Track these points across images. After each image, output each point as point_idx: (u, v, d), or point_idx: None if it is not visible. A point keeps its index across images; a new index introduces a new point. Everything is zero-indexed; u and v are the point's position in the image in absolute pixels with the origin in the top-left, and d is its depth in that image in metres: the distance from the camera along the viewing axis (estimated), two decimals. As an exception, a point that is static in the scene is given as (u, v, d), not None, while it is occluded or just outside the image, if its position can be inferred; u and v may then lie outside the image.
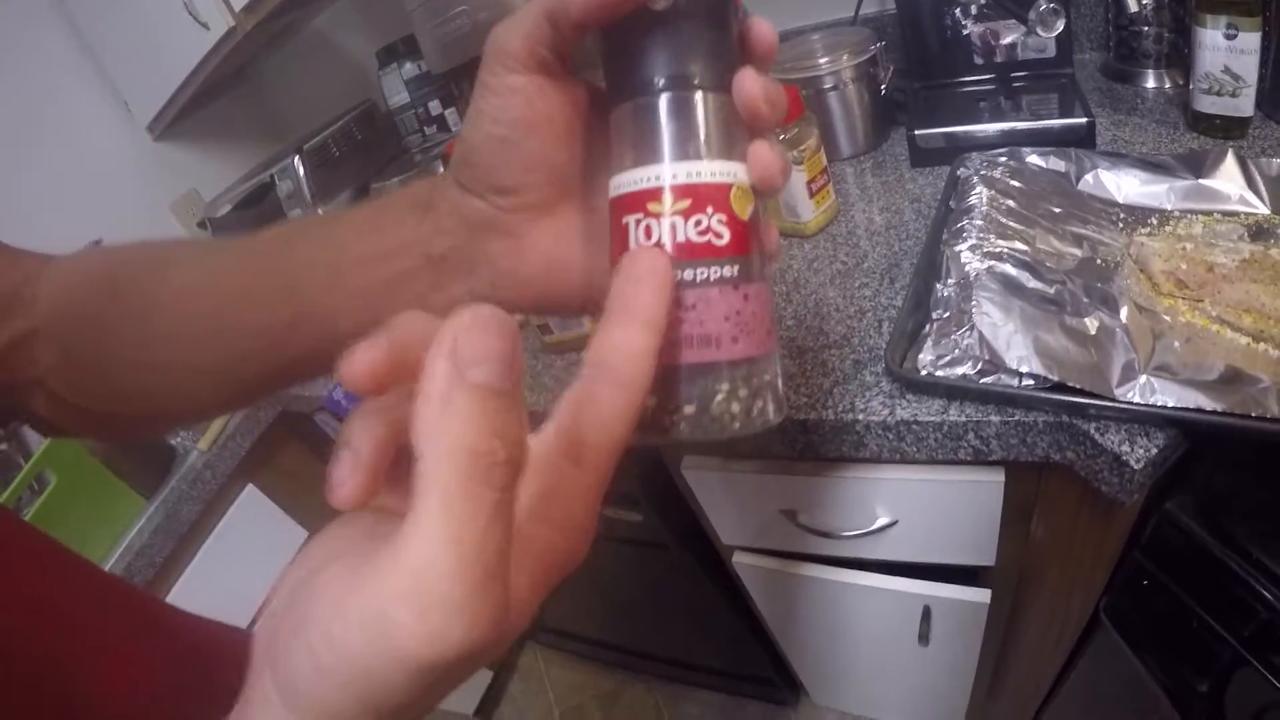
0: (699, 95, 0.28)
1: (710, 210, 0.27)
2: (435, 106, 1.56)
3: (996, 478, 0.71)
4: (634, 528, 0.97)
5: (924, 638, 0.95)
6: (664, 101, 0.28)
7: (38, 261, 0.44)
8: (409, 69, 1.53)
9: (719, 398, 0.28)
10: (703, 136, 0.28)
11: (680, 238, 0.27)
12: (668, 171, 0.27)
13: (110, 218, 1.70)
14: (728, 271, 0.27)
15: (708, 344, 0.28)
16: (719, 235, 0.27)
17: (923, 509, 0.79)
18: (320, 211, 1.48)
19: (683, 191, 0.27)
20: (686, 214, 0.27)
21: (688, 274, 0.27)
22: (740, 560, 0.97)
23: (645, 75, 0.28)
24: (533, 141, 0.31)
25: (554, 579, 0.23)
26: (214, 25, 1.38)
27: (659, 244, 0.27)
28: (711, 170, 0.28)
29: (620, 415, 0.24)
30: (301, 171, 1.48)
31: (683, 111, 0.28)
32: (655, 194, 0.27)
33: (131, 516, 1.23)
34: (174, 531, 1.22)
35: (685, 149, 0.28)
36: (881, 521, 0.81)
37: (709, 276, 0.27)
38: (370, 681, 0.18)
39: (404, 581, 0.18)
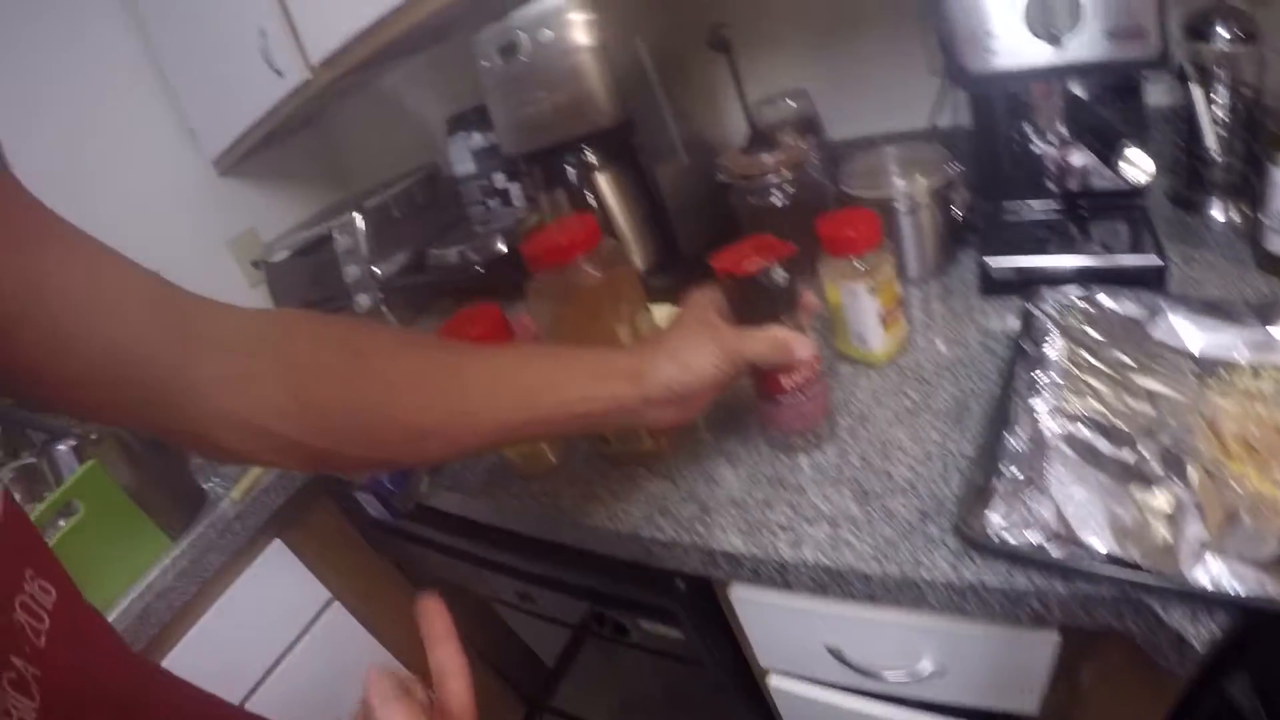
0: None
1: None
2: (500, 180, 1.56)
3: (1051, 637, 0.69)
4: (671, 643, 0.95)
5: (957, 780, 0.91)
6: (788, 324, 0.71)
7: (202, 305, 0.53)
8: (477, 140, 1.54)
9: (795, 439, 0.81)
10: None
11: (801, 378, 0.75)
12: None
13: (169, 249, 1.70)
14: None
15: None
16: (816, 371, 0.77)
17: (971, 660, 0.76)
18: (376, 270, 1.50)
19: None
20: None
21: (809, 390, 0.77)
22: (775, 684, 0.94)
23: (776, 314, 0.71)
24: None
25: None
26: (289, 74, 1.41)
27: (799, 382, 0.76)
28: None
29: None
30: (361, 229, 1.49)
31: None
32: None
33: (155, 556, 1.23)
34: (197, 577, 1.21)
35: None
36: (928, 667, 0.78)
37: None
38: None
39: None
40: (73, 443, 1.35)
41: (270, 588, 1.33)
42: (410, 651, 1.53)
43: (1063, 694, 0.77)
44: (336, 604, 1.42)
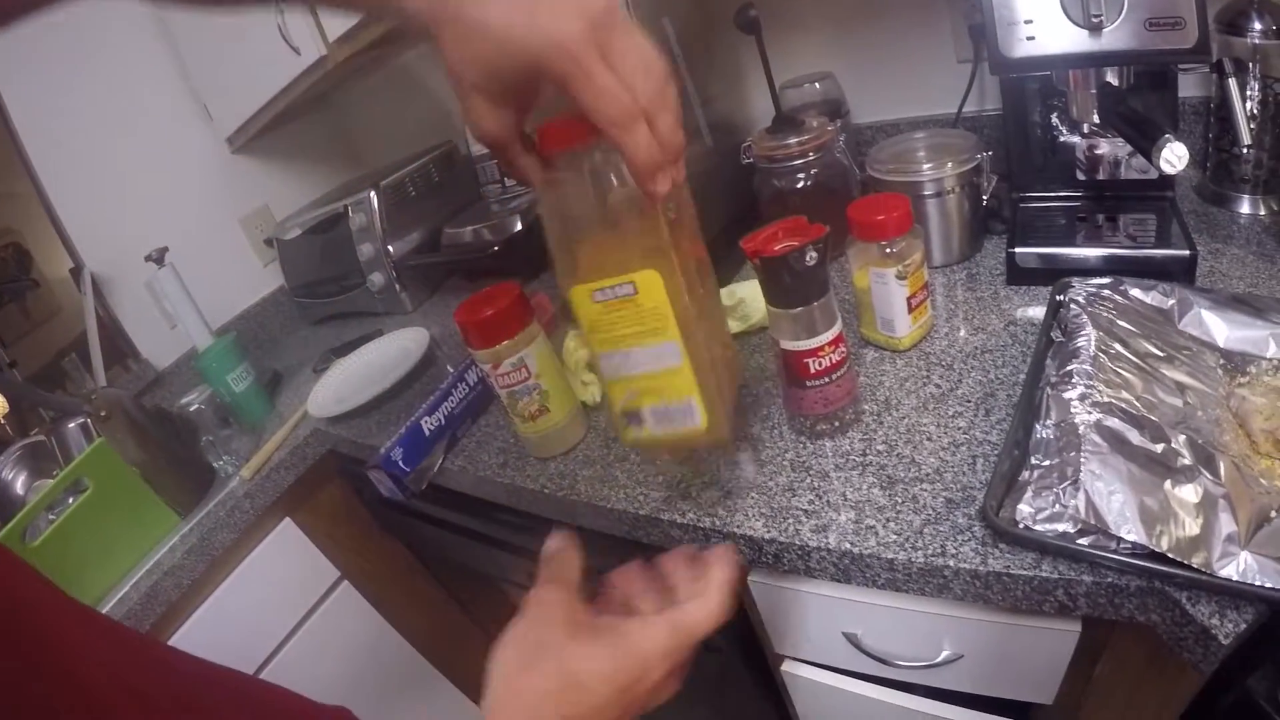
0: (831, 298, 0.73)
1: (840, 346, 0.75)
2: (519, 159, 1.53)
3: (1072, 628, 0.68)
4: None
5: (969, 769, 0.90)
6: (818, 306, 0.72)
7: None
8: (497, 118, 1.51)
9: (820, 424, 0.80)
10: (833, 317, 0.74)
11: (828, 362, 0.75)
12: (824, 339, 0.74)
13: (182, 224, 1.73)
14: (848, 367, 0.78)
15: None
16: (845, 356, 0.76)
17: (989, 648, 0.76)
18: (390, 249, 1.48)
19: (834, 342, 0.74)
20: (833, 346, 0.75)
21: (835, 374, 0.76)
22: (789, 670, 0.94)
23: (807, 297, 0.72)
24: None
25: None
26: (306, 51, 1.39)
27: (826, 366, 0.75)
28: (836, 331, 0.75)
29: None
30: (377, 207, 1.48)
31: (828, 309, 0.73)
32: (820, 349, 0.74)
33: (163, 533, 1.22)
34: (206, 555, 1.20)
35: (827, 326, 0.74)
36: (945, 655, 0.78)
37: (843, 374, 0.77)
38: None
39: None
40: (82, 420, 1.35)
41: (279, 566, 1.32)
42: (418, 630, 1.53)
43: (1076, 684, 0.76)
44: (346, 583, 1.42)
